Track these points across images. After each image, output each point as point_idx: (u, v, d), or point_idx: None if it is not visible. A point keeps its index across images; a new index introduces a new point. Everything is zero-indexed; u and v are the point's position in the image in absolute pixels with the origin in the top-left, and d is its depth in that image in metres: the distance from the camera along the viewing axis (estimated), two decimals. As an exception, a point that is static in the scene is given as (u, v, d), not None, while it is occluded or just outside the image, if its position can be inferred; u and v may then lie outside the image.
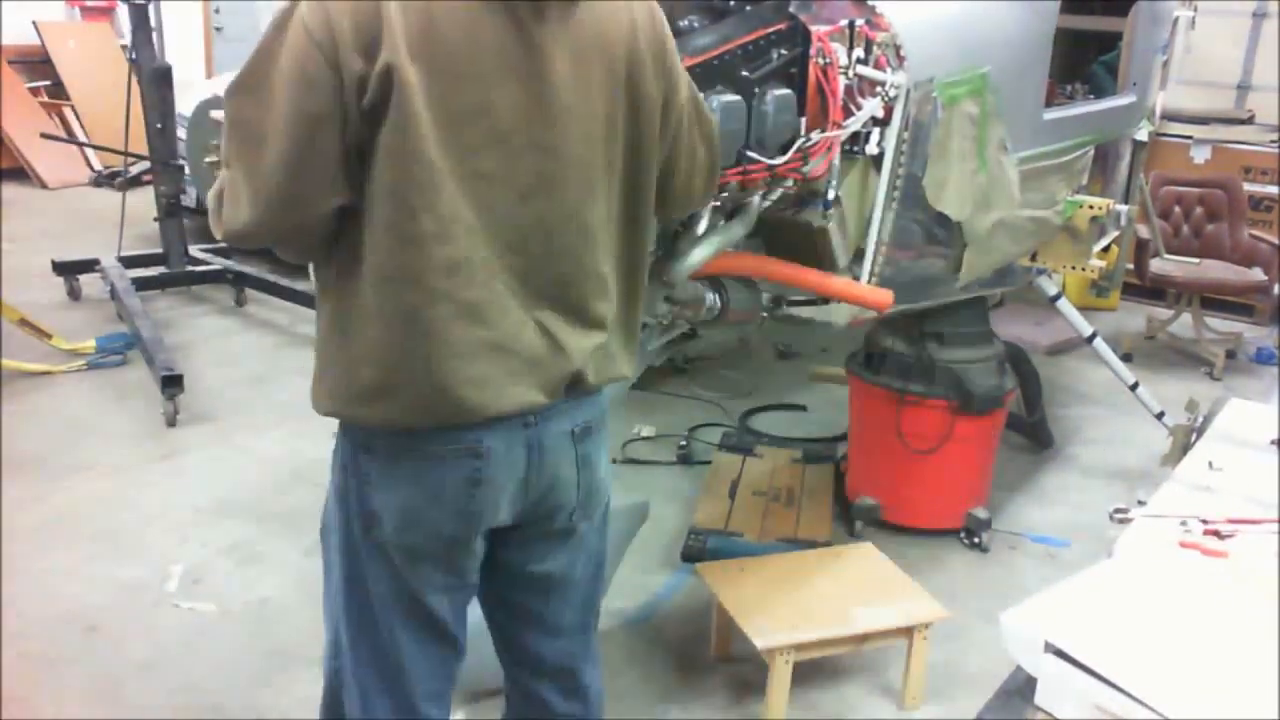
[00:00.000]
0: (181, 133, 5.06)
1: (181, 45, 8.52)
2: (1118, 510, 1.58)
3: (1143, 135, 4.13)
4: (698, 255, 2.22)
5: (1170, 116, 5.98)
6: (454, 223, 1.39)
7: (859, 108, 2.43)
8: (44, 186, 8.24)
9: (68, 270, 5.60)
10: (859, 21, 2.43)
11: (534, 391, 1.51)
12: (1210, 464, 1.93)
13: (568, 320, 1.53)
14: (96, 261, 5.54)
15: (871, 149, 2.53)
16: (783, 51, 2.20)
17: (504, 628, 1.82)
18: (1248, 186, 5.87)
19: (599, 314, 1.57)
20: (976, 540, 3.47)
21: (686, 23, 2.27)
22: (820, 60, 2.31)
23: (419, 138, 1.35)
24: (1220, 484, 1.85)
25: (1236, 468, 1.92)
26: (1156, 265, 5.45)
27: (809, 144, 2.28)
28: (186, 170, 5.01)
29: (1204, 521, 1.54)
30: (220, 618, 2.95)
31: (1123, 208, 3.73)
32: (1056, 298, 3.88)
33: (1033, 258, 3.69)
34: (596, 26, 1.47)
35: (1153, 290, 5.81)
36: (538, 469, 1.57)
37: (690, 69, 1.99)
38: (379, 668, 1.65)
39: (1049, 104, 3.28)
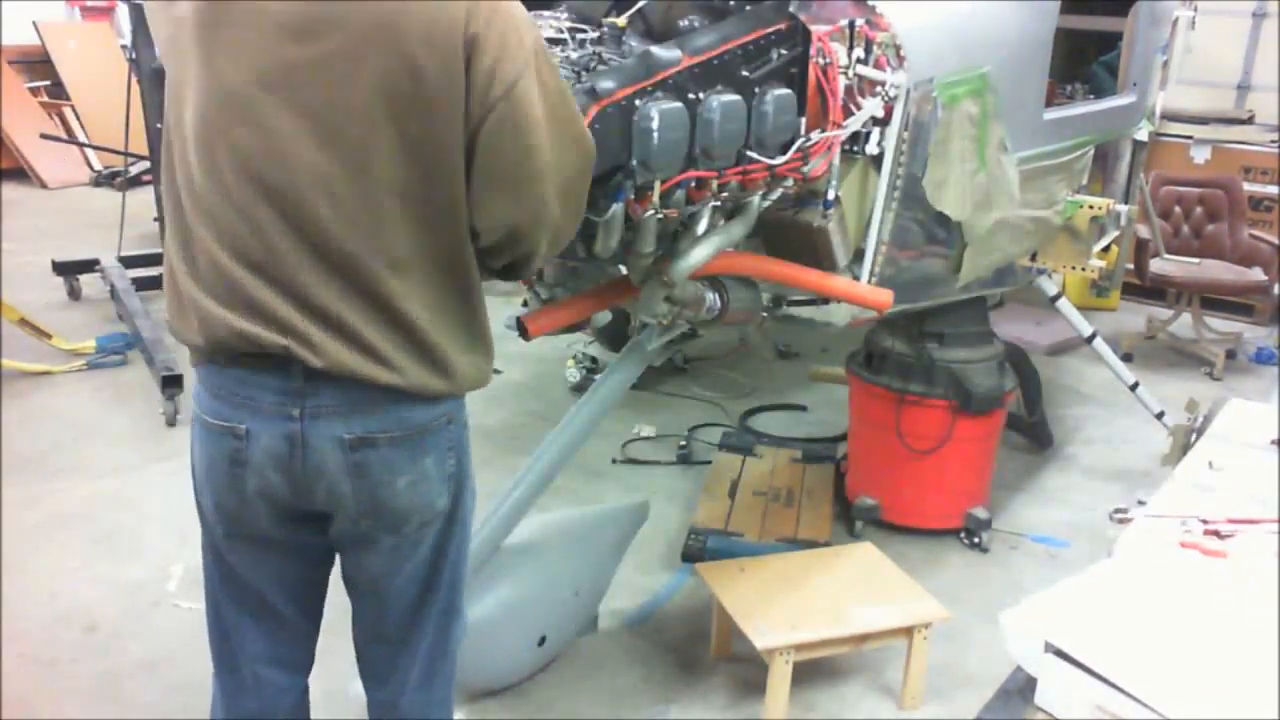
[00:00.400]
0: (181, 133, 5.07)
1: (181, 45, 8.50)
2: (1118, 510, 1.58)
3: (1143, 135, 4.13)
4: (697, 255, 2.22)
5: (1170, 116, 5.97)
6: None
7: (859, 108, 2.43)
8: (44, 186, 8.25)
9: (68, 270, 5.61)
10: (859, 21, 2.43)
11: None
12: (1210, 464, 1.93)
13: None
14: (96, 261, 5.54)
15: (871, 149, 2.53)
16: (783, 51, 2.20)
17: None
18: (1248, 186, 5.87)
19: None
20: (976, 540, 3.47)
21: (686, 23, 2.27)
22: (820, 60, 2.31)
23: None
24: (1220, 484, 1.85)
25: (1236, 468, 1.92)
26: (1156, 265, 5.45)
27: (809, 144, 2.28)
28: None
29: (1204, 521, 1.54)
30: (220, 618, 2.95)
31: (1123, 208, 3.73)
32: (1056, 298, 3.89)
33: (1033, 258, 3.69)
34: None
35: (1153, 290, 5.80)
36: (301, 466, 1.55)
37: (690, 69, 2.00)
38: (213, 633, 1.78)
39: (1049, 104, 3.28)
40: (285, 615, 1.75)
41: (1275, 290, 5.50)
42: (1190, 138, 6.19)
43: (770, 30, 2.17)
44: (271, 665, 1.77)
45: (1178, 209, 5.71)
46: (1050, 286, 3.84)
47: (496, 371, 4.89)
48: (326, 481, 1.56)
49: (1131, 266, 5.36)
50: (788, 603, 2.64)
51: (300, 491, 1.57)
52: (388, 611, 1.74)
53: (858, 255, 2.66)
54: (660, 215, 2.04)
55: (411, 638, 1.77)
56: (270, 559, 1.69)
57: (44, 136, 6.85)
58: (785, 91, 2.18)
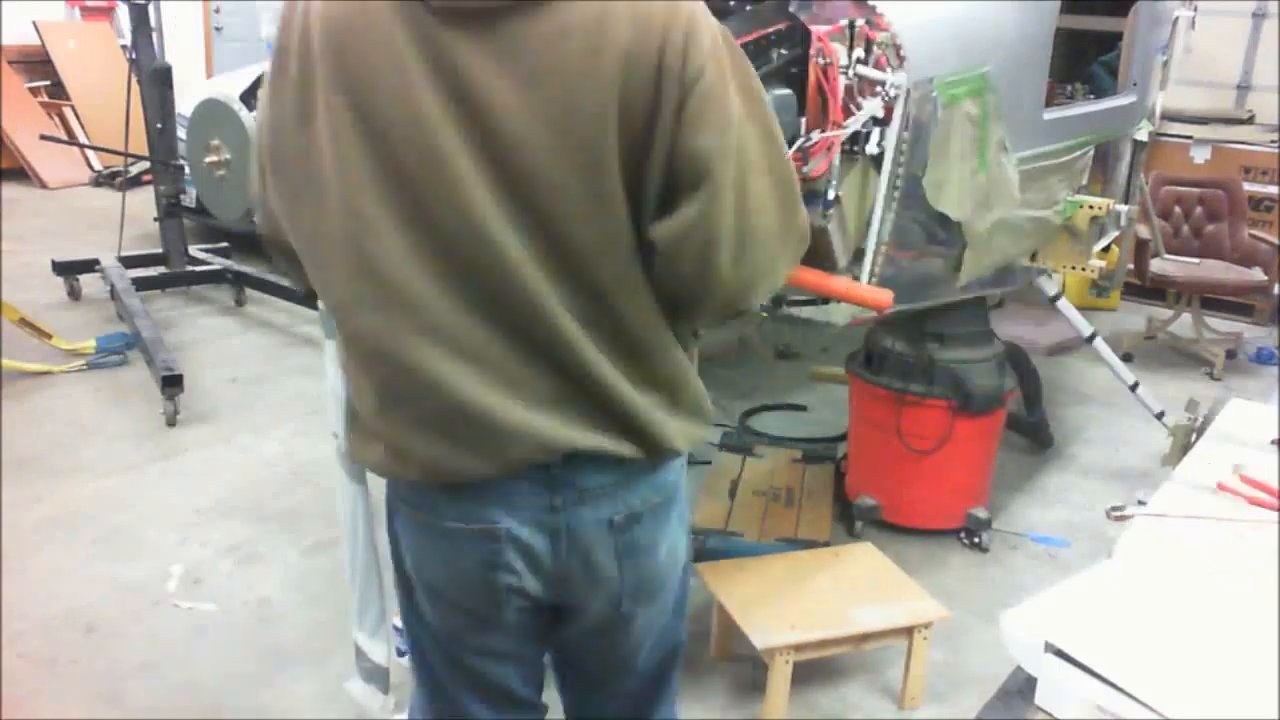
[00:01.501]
0: (181, 133, 5.08)
1: (181, 45, 8.52)
2: (1115, 508, 1.58)
3: (1143, 135, 4.13)
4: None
5: (1170, 116, 5.98)
6: None
7: (859, 108, 2.43)
8: (44, 186, 8.25)
9: (68, 270, 5.61)
10: (859, 21, 2.43)
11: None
12: (1210, 464, 1.93)
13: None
14: (96, 261, 5.54)
15: (871, 149, 2.53)
16: (783, 51, 2.21)
17: (569, 688, 1.73)
18: (1248, 186, 5.87)
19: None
20: (976, 540, 3.47)
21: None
22: (820, 60, 2.31)
23: None
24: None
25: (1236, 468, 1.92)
26: (1156, 265, 5.45)
27: (809, 144, 2.28)
28: (186, 170, 5.02)
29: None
30: (220, 618, 2.95)
31: (1123, 208, 3.73)
32: (1056, 298, 3.88)
33: (1033, 258, 3.69)
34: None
35: (1153, 290, 5.80)
36: (565, 558, 1.40)
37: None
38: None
39: (1049, 104, 3.28)
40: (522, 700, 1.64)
41: (1275, 290, 5.50)
42: (1190, 138, 6.19)
43: (770, 30, 2.17)
44: None
45: (1178, 209, 5.71)
46: (1050, 286, 3.84)
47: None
48: (590, 568, 1.41)
49: (1131, 266, 5.36)
50: (788, 603, 2.64)
51: (557, 584, 1.43)
52: (634, 683, 1.63)
53: (858, 255, 2.66)
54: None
55: (659, 691, 1.67)
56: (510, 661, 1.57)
57: (44, 137, 6.83)
58: (785, 91, 2.19)
